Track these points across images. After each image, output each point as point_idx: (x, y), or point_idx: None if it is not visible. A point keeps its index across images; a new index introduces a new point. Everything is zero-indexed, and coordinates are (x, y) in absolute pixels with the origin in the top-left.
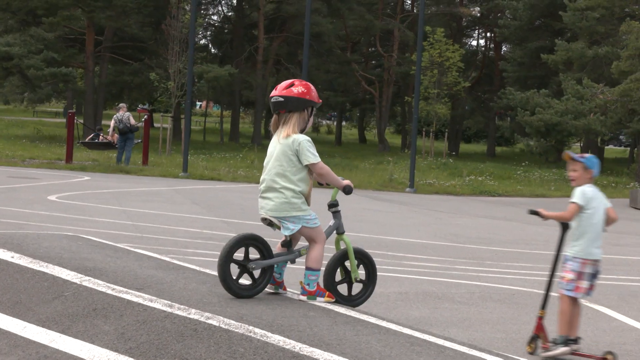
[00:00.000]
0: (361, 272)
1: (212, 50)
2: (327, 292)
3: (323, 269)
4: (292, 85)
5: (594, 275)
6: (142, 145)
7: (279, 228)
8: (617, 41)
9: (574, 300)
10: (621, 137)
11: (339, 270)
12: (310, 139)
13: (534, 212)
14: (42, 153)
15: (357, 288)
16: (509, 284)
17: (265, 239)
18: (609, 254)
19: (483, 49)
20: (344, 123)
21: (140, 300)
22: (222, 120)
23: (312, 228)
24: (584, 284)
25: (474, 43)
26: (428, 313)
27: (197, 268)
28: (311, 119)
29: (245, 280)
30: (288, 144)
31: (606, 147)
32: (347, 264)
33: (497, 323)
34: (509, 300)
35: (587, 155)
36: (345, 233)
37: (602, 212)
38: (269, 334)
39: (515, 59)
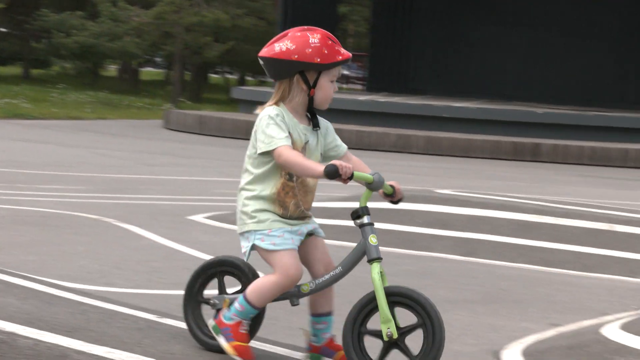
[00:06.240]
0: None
1: None
2: (239, 343)
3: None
4: (283, 37)
5: None
6: None
7: None
8: None
9: None
10: (157, 59)
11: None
12: (275, 113)
13: None
14: None
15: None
16: (41, 207)
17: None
18: (140, 174)
19: None
20: None
21: None
22: None
23: (267, 251)
24: None
25: None
26: None
27: None
28: (322, 88)
29: None
30: (256, 123)
31: (143, 69)
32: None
33: (29, 246)
34: (41, 223)
35: None
36: (380, 260)
37: None
38: None
39: None
